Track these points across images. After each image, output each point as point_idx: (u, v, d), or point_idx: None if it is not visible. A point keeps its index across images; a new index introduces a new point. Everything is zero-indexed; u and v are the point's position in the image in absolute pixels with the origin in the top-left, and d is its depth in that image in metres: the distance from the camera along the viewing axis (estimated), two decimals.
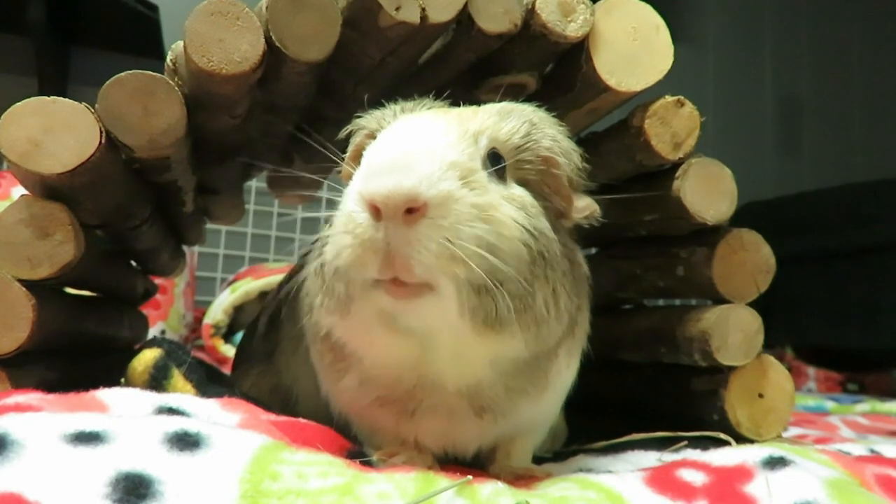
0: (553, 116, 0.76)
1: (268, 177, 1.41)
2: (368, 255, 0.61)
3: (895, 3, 4.16)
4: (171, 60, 0.83)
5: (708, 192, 0.92)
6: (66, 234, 0.77)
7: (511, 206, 0.66)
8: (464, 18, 0.84)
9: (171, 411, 0.70)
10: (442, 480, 0.60)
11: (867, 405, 1.97)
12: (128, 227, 0.99)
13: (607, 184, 0.98)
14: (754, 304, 0.96)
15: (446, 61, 0.95)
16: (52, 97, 0.76)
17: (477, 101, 0.80)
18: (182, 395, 0.77)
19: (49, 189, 0.78)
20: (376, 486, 0.56)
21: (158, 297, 1.96)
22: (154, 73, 0.78)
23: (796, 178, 3.89)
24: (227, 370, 1.41)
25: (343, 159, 0.79)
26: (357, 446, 0.76)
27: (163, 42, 2.47)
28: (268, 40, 0.78)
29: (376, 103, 0.79)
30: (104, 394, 0.72)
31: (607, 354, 1.12)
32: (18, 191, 1.26)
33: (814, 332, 3.09)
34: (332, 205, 0.70)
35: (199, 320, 2.46)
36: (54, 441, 0.54)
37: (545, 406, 0.79)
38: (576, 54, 0.90)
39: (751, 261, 0.95)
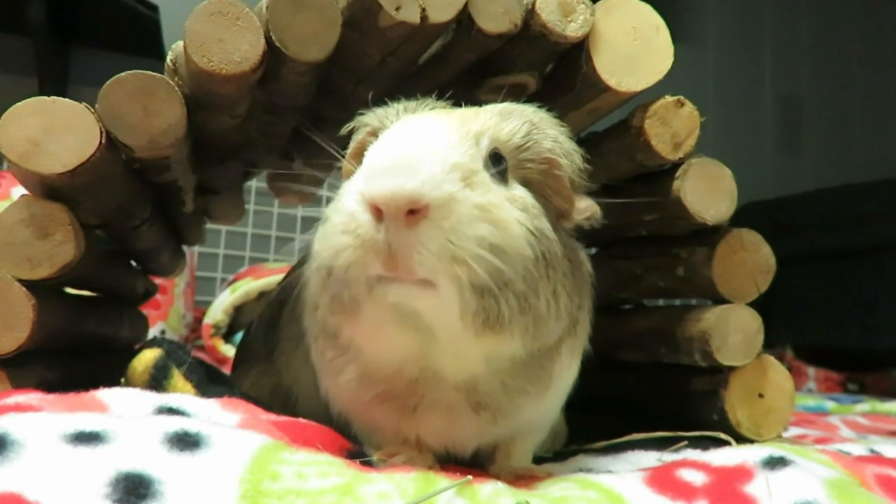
0: (553, 117, 0.76)
1: (268, 176, 1.41)
2: (370, 256, 0.61)
3: (895, 3, 4.16)
4: (171, 60, 0.83)
5: (708, 192, 0.92)
6: (66, 234, 0.77)
7: (513, 207, 0.66)
8: (464, 18, 0.84)
9: (171, 411, 0.70)
10: (442, 480, 0.60)
11: (867, 405, 1.97)
12: (128, 227, 0.99)
13: (607, 184, 0.98)
14: (754, 304, 0.96)
15: (446, 61, 0.95)
16: (52, 97, 0.76)
17: (477, 102, 0.80)
18: (182, 395, 0.77)
19: (49, 189, 0.78)
20: (376, 486, 0.56)
21: (158, 297, 1.96)
22: (154, 74, 0.78)
23: (796, 178, 3.89)
24: (227, 370, 1.41)
25: (344, 157, 0.79)
26: (357, 446, 0.76)
27: (163, 42, 2.47)
28: (268, 40, 0.78)
29: (377, 103, 0.79)
30: (104, 394, 0.72)
31: (607, 354, 1.12)
32: (18, 191, 1.26)
33: (814, 332, 3.09)
34: (331, 205, 0.70)
35: (199, 320, 2.46)
36: (54, 441, 0.54)
37: (546, 405, 0.79)
38: (576, 54, 0.90)
39: (751, 261, 0.95)
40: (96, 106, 0.77)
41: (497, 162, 0.69)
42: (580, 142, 0.79)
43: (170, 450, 0.55)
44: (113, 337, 1.16)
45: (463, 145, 0.66)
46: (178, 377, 0.86)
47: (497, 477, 0.69)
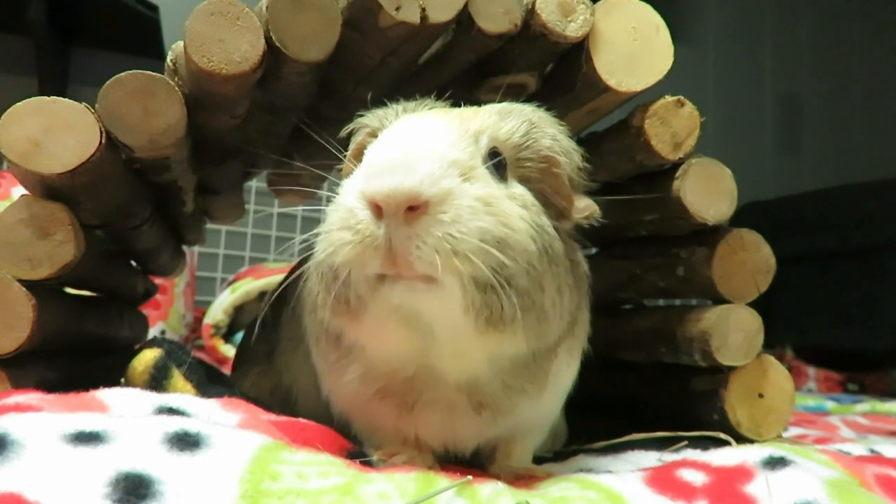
0: (553, 116, 0.76)
1: (268, 176, 1.41)
2: (369, 252, 0.61)
3: (895, 3, 4.16)
4: (171, 60, 0.83)
5: (708, 192, 0.92)
6: (67, 234, 0.77)
7: (513, 203, 0.66)
8: (464, 18, 0.84)
9: (172, 411, 0.70)
10: (442, 480, 0.60)
11: (867, 405, 1.97)
12: (128, 227, 0.99)
13: (608, 184, 0.98)
14: (754, 304, 0.96)
15: (446, 61, 0.95)
16: (52, 97, 0.76)
17: (477, 102, 0.80)
18: (182, 395, 0.77)
19: (49, 189, 0.78)
20: (376, 486, 0.56)
21: (158, 297, 1.96)
22: (154, 74, 0.78)
23: (796, 178, 3.89)
24: (227, 370, 1.41)
25: (344, 157, 0.79)
26: (357, 446, 0.76)
27: (163, 42, 2.47)
28: (268, 40, 0.78)
29: (377, 103, 0.79)
30: (104, 394, 0.72)
31: (607, 354, 1.12)
32: (19, 191, 1.26)
33: (814, 332, 3.09)
34: (331, 204, 0.70)
35: (199, 320, 2.46)
36: (54, 441, 0.54)
37: (545, 405, 0.79)
38: (576, 54, 0.90)
39: (751, 261, 0.95)
40: (96, 106, 0.77)
41: (496, 160, 0.69)
42: (580, 142, 0.80)
43: (170, 450, 0.55)
44: (113, 337, 1.16)
45: (462, 143, 0.66)
46: (178, 377, 0.86)
47: (497, 477, 0.69)
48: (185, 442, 0.56)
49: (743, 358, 0.93)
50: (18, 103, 0.75)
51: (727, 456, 0.72)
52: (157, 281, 1.56)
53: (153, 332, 2.02)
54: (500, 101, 0.76)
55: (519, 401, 0.73)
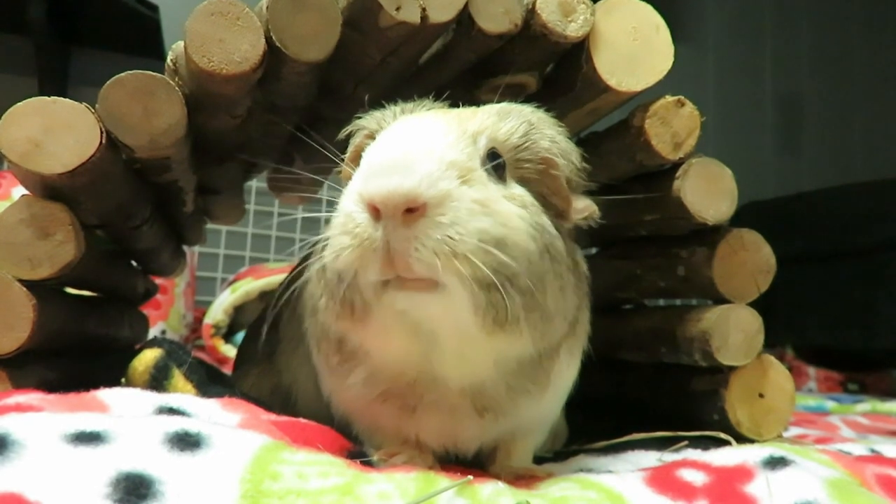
0: (553, 117, 0.76)
1: (268, 177, 1.41)
2: (368, 255, 0.61)
3: (895, 3, 4.16)
4: (171, 60, 0.83)
5: (708, 192, 0.92)
6: (67, 234, 0.77)
7: (512, 204, 0.66)
8: (464, 18, 0.84)
9: (172, 411, 0.70)
10: (442, 480, 0.60)
11: (868, 405, 1.97)
12: (128, 227, 1.00)
13: (608, 184, 0.98)
14: (755, 304, 0.96)
15: (446, 61, 0.95)
16: (52, 97, 0.76)
17: (477, 102, 0.80)
18: (183, 395, 0.77)
19: (49, 189, 0.78)
20: (377, 486, 0.56)
21: (159, 297, 1.96)
22: (154, 74, 0.78)
23: (796, 178, 3.89)
24: (227, 370, 1.41)
25: (343, 159, 0.79)
26: (358, 446, 0.76)
27: (163, 42, 2.47)
28: (268, 40, 0.78)
29: (377, 103, 0.79)
30: (105, 394, 0.72)
31: (608, 354, 1.12)
32: (19, 191, 1.26)
33: (814, 332, 3.09)
34: (332, 205, 0.70)
35: (199, 320, 2.46)
36: (55, 441, 0.54)
37: (546, 405, 0.79)
38: (576, 54, 0.90)
39: (751, 261, 0.95)
40: (97, 106, 0.77)
41: (495, 161, 0.69)
42: (580, 142, 0.80)
43: (170, 450, 0.55)
44: (113, 337, 1.16)
45: (460, 144, 0.66)
46: (178, 377, 0.86)
47: (497, 477, 0.69)
48: (186, 442, 0.56)
49: (743, 358, 0.93)
50: (19, 103, 0.75)
51: (727, 456, 0.72)
52: (158, 281, 1.56)
53: (153, 332, 2.02)
54: (499, 102, 0.76)
55: (521, 402, 0.73)
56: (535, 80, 0.97)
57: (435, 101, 0.78)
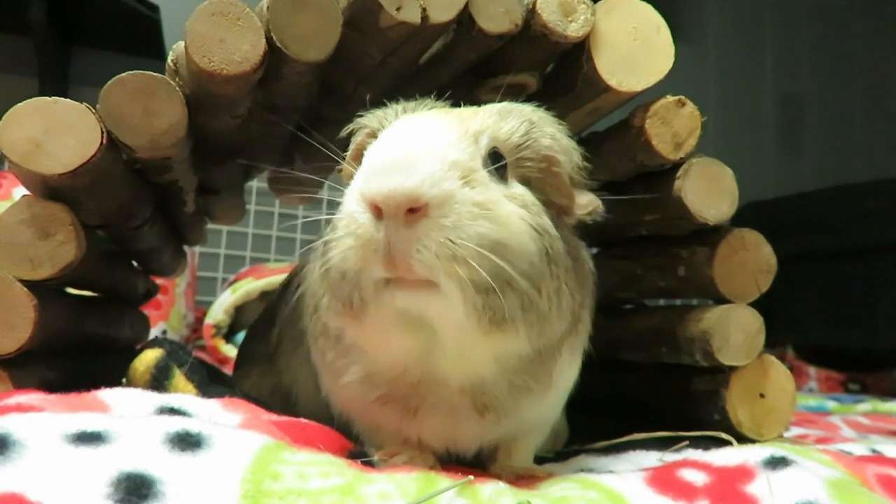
0: (553, 116, 0.76)
1: (269, 177, 1.41)
2: (370, 255, 0.61)
3: (895, 3, 4.16)
4: (171, 61, 0.83)
5: (709, 192, 0.92)
6: (68, 234, 0.77)
7: (513, 204, 0.66)
8: (464, 18, 0.84)
9: (173, 411, 0.70)
10: (443, 480, 0.60)
11: (868, 405, 1.97)
12: (129, 227, 1.00)
13: (608, 184, 0.98)
14: (755, 304, 0.96)
15: (447, 61, 0.95)
16: (53, 98, 0.76)
17: (478, 101, 0.80)
18: (183, 395, 0.77)
19: (50, 189, 0.78)
20: (377, 486, 0.56)
21: (160, 297, 1.96)
22: (155, 74, 0.78)
23: (796, 178, 3.89)
24: (228, 370, 1.41)
25: (344, 159, 0.79)
26: (358, 446, 0.76)
27: (163, 42, 2.47)
28: (268, 40, 0.78)
29: (377, 103, 0.79)
30: (105, 394, 0.72)
31: (608, 354, 1.12)
32: (20, 191, 1.26)
33: (815, 332, 3.09)
34: (333, 205, 0.70)
35: (200, 320, 2.46)
36: (56, 441, 0.54)
37: (548, 404, 0.79)
38: (576, 54, 0.90)
39: (752, 261, 0.95)
40: (97, 106, 0.77)
41: (496, 160, 0.69)
42: (581, 141, 0.80)
43: (171, 450, 0.55)
44: (114, 337, 1.16)
45: (462, 144, 0.66)
46: (179, 377, 0.86)
47: (498, 477, 0.69)
48: (187, 442, 0.56)
49: (744, 358, 0.93)
50: (19, 104, 0.75)
51: (728, 456, 0.72)
52: (158, 281, 1.56)
53: (154, 332, 2.01)
54: (500, 101, 0.76)
55: (523, 400, 0.73)
56: (535, 80, 0.97)
57: (437, 100, 0.79)
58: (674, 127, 0.90)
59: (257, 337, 1.11)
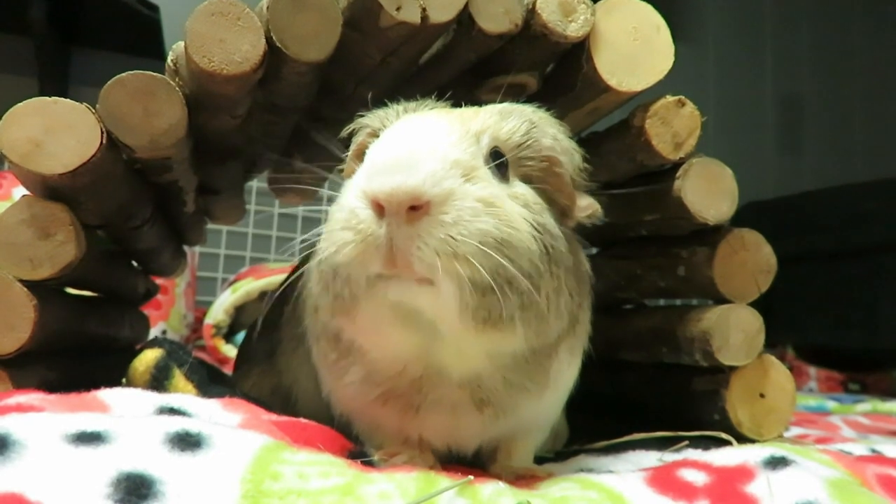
0: (553, 116, 0.77)
1: (269, 177, 1.41)
2: (370, 251, 0.61)
3: (895, 3, 4.16)
4: (171, 61, 0.83)
5: (709, 192, 0.92)
6: (68, 234, 0.77)
7: (515, 203, 0.66)
8: (464, 18, 0.84)
9: (173, 411, 0.70)
10: (443, 480, 0.60)
11: (868, 405, 1.97)
12: (129, 227, 1.00)
13: (608, 184, 0.98)
14: (755, 304, 0.96)
15: (447, 61, 0.95)
16: (53, 97, 0.76)
17: (478, 102, 0.80)
18: (183, 395, 0.77)
19: (50, 189, 0.78)
20: (377, 486, 0.56)
21: (159, 297, 1.96)
22: (155, 74, 0.78)
23: (796, 178, 3.89)
24: (228, 370, 1.41)
25: (344, 159, 0.79)
26: (358, 446, 0.76)
27: (163, 42, 2.47)
28: (268, 40, 0.78)
29: (378, 103, 0.79)
30: (105, 394, 0.72)
31: (608, 354, 1.12)
32: (20, 191, 1.26)
33: (815, 332, 3.09)
34: (333, 202, 0.70)
35: (200, 320, 2.46)
36: (56, 441, 0.54)
37: (546, 404, 0.79)
38: (576, 54, 0.90)
39: (752, 261, 0.95)
40: (97, 106, 0.77)
41: (497, 160, 0.69)
42: (581, 142, 0.80)
43: (171, 450, 0.55)
44: (114, 337, 1.16)
45: (463, 143, 0.66)
46: (179, 377, 0.86)
47: (498, 477, 0.69)
48: (187, 442, 0.56)
49: (744, 358, 0.93)
50: (19, 104, 0.75)
51: (728, 456, 0.72)
52: (158, 281, 1.56)
53: (154, 332, 2.01)
54: (500, 101, 0.76)
55: (520, 399, 0.73)
56: (535, 80, 0.97)
57: (437, 100, 0.79)
58: (674, 127, 0.90)
59: (257, 337, 1.11)
